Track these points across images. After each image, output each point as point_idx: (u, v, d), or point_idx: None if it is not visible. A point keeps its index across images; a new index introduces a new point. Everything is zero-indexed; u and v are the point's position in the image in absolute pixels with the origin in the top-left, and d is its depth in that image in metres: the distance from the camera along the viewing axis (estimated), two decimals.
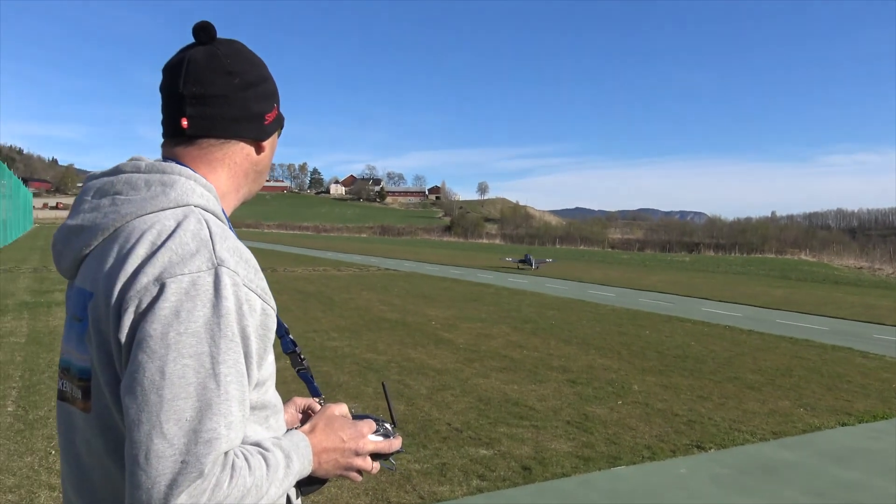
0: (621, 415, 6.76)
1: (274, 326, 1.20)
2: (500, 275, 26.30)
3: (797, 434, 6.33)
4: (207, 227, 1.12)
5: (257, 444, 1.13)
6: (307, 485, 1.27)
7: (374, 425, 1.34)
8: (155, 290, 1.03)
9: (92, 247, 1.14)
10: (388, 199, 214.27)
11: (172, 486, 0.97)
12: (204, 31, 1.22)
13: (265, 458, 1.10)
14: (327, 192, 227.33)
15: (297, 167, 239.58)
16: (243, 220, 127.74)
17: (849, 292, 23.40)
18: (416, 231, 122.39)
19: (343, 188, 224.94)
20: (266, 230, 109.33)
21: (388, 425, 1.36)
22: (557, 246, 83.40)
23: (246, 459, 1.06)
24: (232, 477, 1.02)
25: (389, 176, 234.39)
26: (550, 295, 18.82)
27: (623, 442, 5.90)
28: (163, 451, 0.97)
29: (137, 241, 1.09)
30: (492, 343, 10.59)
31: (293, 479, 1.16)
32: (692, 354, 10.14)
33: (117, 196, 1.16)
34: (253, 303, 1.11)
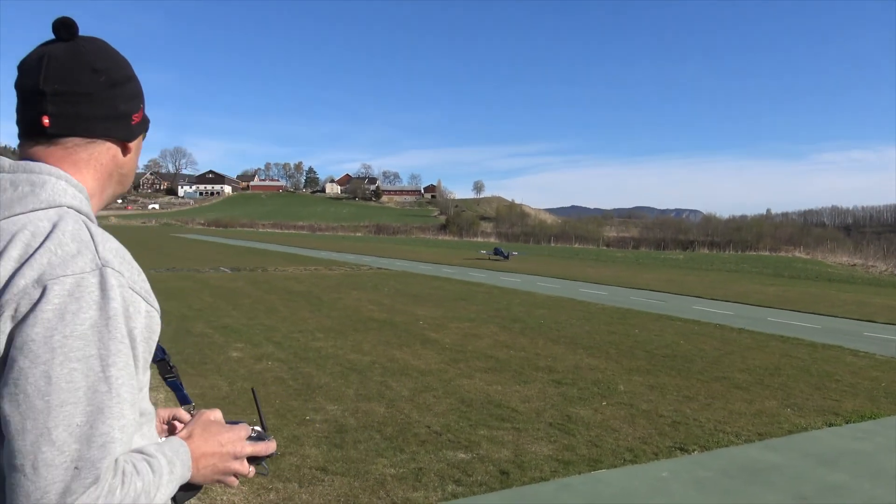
0: (605, 416, 6.64)
1: (158, 330, 1.17)
2: (493, 273, 26.18)
3: (783, 435, 6.22)
4: (87, 228, 1.08)
5: (140, 451, 1.09)
6: (184, 491, 1.22)
7: (248, 429, 1.33)
8: (36, 294, 0.98)
9: None
10: (384, 198, 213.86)
11: (66, 493, 0.94)
12: (65, 28, 1.15)
13: (150, 464, 1.07)
14: (323, 191, 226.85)
15: (292, 166, 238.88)
16: (238, 220, 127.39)
17: (842, 290, 23.36)
18: (411, 230, 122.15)
19: (339, 187, 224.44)
20: (261, 229, 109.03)
21: (258, 429, 1.35)
22: (552, 244, 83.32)
23: (133, 465, 1.04)
24: (123, 483, 1.00)
25: (385, 175, 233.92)
26: (541, 294, 18.71)
27: (605, 444, 5.78)
28: (52, 458, 0.94)
29: (9, 243, 1.03)
30: (479, 343, 10.47)
31: (176, 486, 1.14)
32: (681, 353, 10.04)
33: None
34: (138, 305, 1.09)
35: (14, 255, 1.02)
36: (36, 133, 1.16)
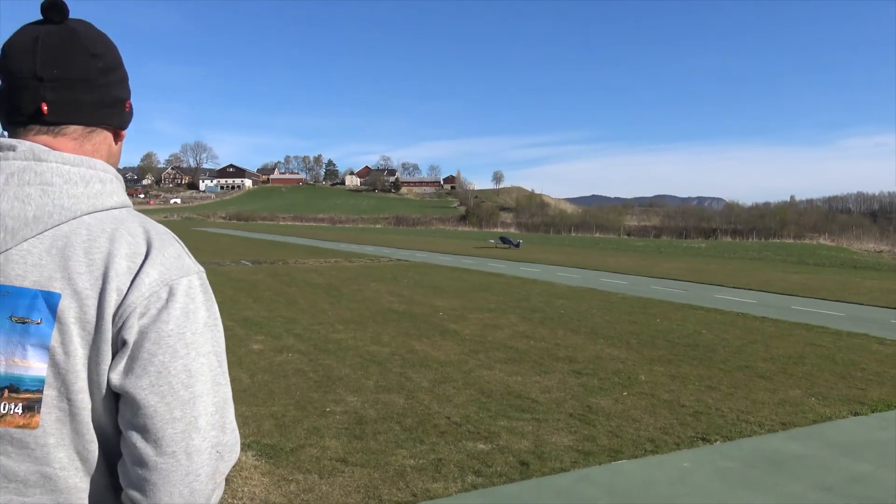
0: (626, 406, 6.60)
1: None
2: (513, 264, 26.13)
3: (807, 425, 6.14)
4: (166, 230, 1.15)
5: None
6: None
7: None
8: (164, 293, 1.05)
9: (18, 241, 1.02)
10: (404, 190, 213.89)
11: (214, 475, 1.06)
12: (55, 9, 1.10)
13: None
14: (342, 183, 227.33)
15: (311, 159, 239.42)
16: (258, 213, 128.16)
17: (868, 277, 23.02)
18: (431, 221, 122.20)
19: (358, 179, 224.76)
20: (281, 222, 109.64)
21: None
22: (573, 234, 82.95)
23: None
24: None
25: (404, 166, 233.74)
26: (562, 284, 18.63)
27: (626, 435, 5.74)
28: (200, 445, 1.04)
29: (112, 240, 1.05)
30: (498, 334, 10.45)
31: None
32: (703, 343, 9.95)
33: (48, 187, 1.05)
34: None
35: (124, 252, 1.05)
36: (25, 120, 1.11)
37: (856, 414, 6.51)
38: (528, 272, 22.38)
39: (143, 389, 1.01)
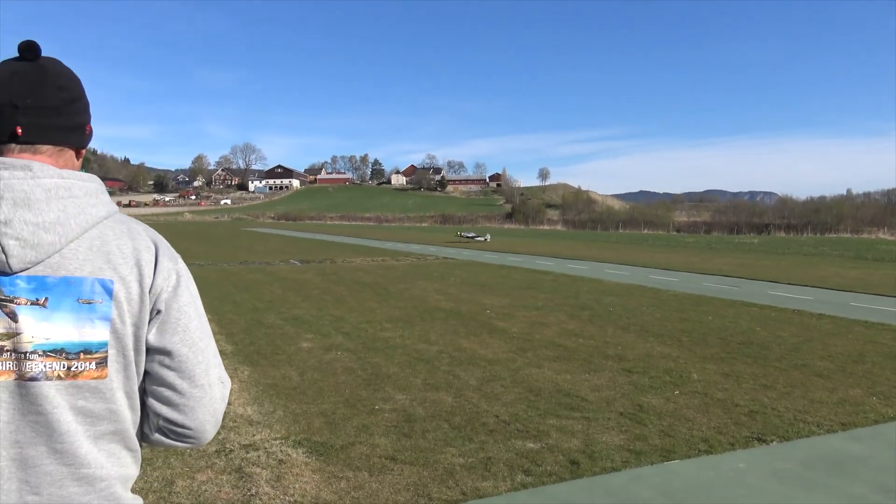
0: (678, 405, 6.48)
1: None
2: (560, 261, 25.93)
3: (868, 425, 5.94)
4: (144, 225, 1.50)
5: None
6: None
7: None
8: (174, 276, 1.43)
9: (66, 243, 1.33)
10: (449, 188, 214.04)
11: (223, 398, 1.50)
12: (30, 50, 1.38)
13: None
14: (388, 182, 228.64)
15: (358, 159, 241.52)
16: (306, 213, 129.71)
17: None
18: (477, 219, 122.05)
19: (404, 178, 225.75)
20: (329, 222, 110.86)
21: None
22: (621, 231, 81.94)
23: None
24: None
25: (450, 164, 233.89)
26: (610, 281, 18.42)
27: (678, 434, 5.64)
28: (214, 378, 1.47)
29: (132, 239, 1.41)
30: (546, 332, 10.37)
31: None
32: (757, 340, 9.71)
33: (76, 199, 1.36)
34: None
35: (143, 246, 1.40)
36: (6, 139, 1.36)
37: None
38: (576, 269, 22.18)
39: (176, 344, 1.40)
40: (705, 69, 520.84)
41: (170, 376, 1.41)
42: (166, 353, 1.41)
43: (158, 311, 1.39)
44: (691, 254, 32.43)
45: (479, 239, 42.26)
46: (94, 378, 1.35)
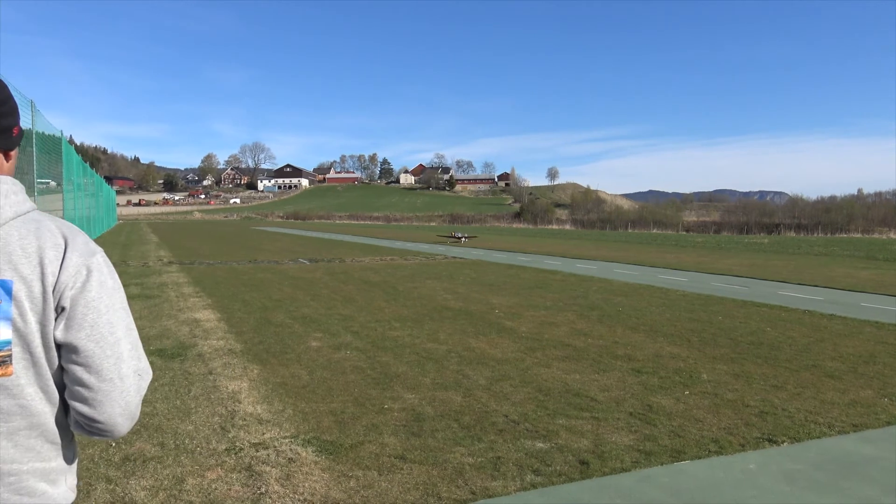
0: (688, 406, 6.46)
1: None
2: (568, 261, 25.88)
3: (880, 427, 5.90)
4: (71, 224, 1.54)
5: None
6: None
7: None
8: (84, 271, 1.46)
9: None
10: (458, 187, 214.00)
11: (139, 390, 1.52)
12: None
13: None
14: (397, 181, 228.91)
15: (367, 158, 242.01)
16: (315, 212, 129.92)
17: None
18: (485, 218, 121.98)
19: (412, 177, 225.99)
20: (337, 221, 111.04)
21: None
22: (629, 230, 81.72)
23: None
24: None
25: (458, 164, 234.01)
26: (619, 281, 18.37)
27: (688, 435, 5.62)
28: (127, 371, 1.49)
29: (38, 238, 1.44)
30: (555, 331, 10.36)
31: None
32: (767, 341, 9.67)
33: None
34: None
35: (49, 244, 1.44)
36: None
37: None
38: (585, 269, 22.13)
39: (82, 340, 1.44)
40: (716, 68, 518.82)
41: (78, 371, 1.44)
42: (73, 349, 1.44)
43: (63, 308, 1.42)
44: (701, 254, 32.30)
45: (463, 238, 43.09)
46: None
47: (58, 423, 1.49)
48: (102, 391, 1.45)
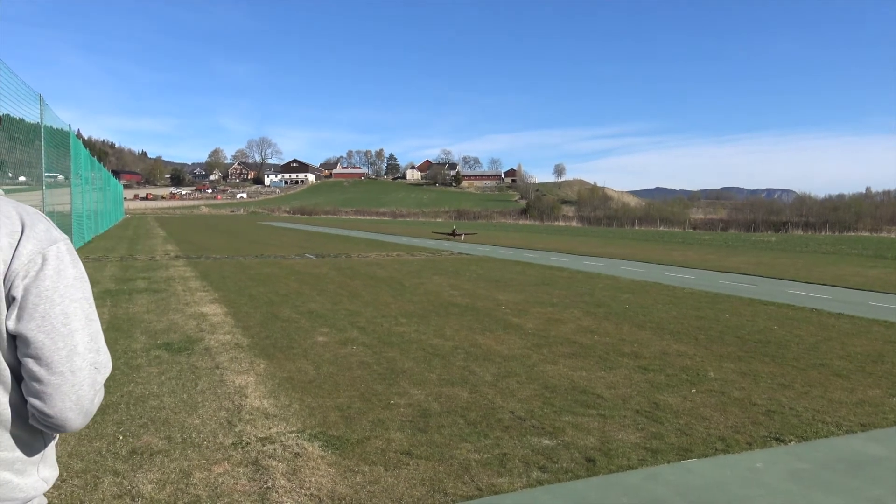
0: (694, 404, 6.44)
1: None
2: (576, 258, 25.85)
3: (888, 426, 5.88)
4: (35, 210, 1.49)
5: None
6: None
7: None
8: (39, 260, 1.41)
9: None
10: (464, 184, 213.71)
11: (93, 384, 1.46)
12: None
13: None
14: (403, 177, 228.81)
15: (373, 153, 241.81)
16: (321, 208, 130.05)
17: None
18: (491, 215, 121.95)
19: (419, 173, 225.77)
20: (344, 216, 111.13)
21: None
22: (636, 227, 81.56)
23: None
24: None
25: (465, 160, 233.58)
26: (626, 278, 18.33)
27: (695, 433, 5.61)
28: (81, 364, 1.44)
29: None
30: (562, 328, 10.35)
31: None
32: (775, 339, 9.64)
33: None
34: None
35: (5, 231, 1.40)
36: None
37: None
38: (592, 266, 22.10)
39: (32, 330, 1.39)
40: (724, 66, 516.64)
41: (30, 364, 1.41)
42: (24, 340, 1.40)
43: (14, 298, 1.38)
44: (708, 251, 32.21)
45: (462, 235, 43.09)
46: None
47: (17, 412, 1.45)
48: (53, 384, 1.40)
